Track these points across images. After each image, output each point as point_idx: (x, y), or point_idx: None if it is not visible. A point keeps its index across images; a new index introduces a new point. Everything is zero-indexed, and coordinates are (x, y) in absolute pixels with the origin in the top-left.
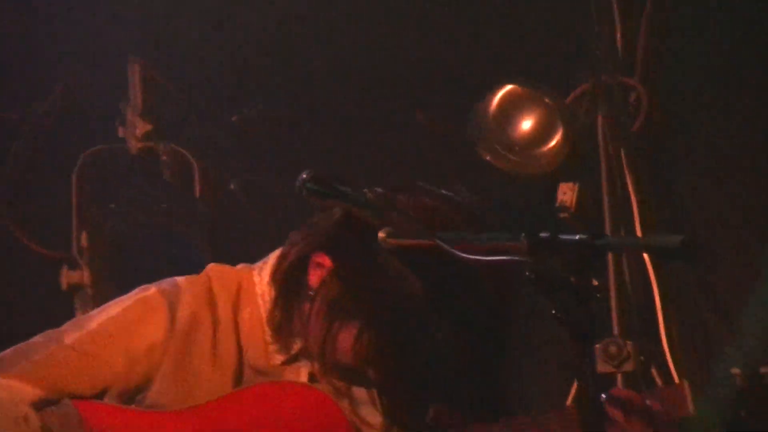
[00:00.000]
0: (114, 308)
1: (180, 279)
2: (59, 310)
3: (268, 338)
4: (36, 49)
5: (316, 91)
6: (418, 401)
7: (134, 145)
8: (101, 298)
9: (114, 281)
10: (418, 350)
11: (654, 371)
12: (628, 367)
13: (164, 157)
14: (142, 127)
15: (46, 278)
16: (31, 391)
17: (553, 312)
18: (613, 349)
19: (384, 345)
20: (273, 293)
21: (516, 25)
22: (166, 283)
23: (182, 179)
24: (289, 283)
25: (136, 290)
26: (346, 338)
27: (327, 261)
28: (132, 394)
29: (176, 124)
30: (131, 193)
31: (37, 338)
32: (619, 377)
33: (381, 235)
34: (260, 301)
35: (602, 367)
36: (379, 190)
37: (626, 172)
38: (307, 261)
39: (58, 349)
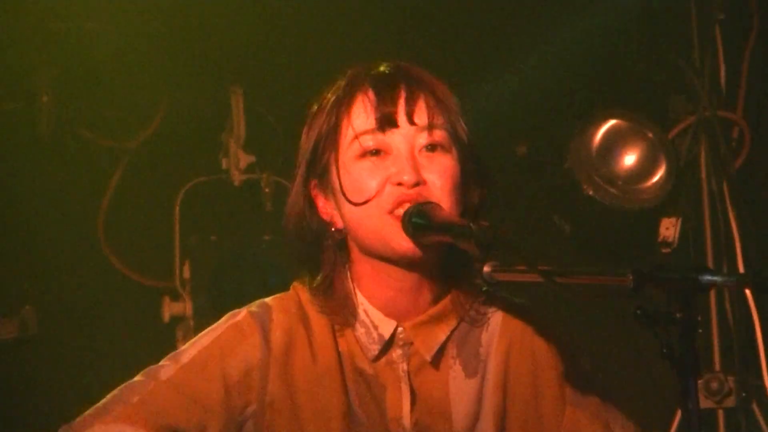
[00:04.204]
0: (206, 338)
1: (269, 299)
2: (161, 341)
3: (358, 333)
4: (137, 78)
5: None
6: None
7: (237, 177)
8: (203, 330)
9: (216, 313)
10: None
11: (755, 407)
12: (730, 402)
13: (267, 189)
14: (245, 159)
15: (148, 309)
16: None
17: (662, 349)
18: (714, 384)
19: None
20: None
21: (618, 59)
22: (255, 305)
23: (285, 212)
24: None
25: (227, 316)
26: None
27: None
28: (235, 426)
29: (279, 156)
30: (234, 225)
31: (137, 378)
32: (720, 413)
33: (486, 269)
34: None
35: (703, 402)
36: (485, 223)
37: (729, 207)
38: (309, 198)
39: (156, 386)
